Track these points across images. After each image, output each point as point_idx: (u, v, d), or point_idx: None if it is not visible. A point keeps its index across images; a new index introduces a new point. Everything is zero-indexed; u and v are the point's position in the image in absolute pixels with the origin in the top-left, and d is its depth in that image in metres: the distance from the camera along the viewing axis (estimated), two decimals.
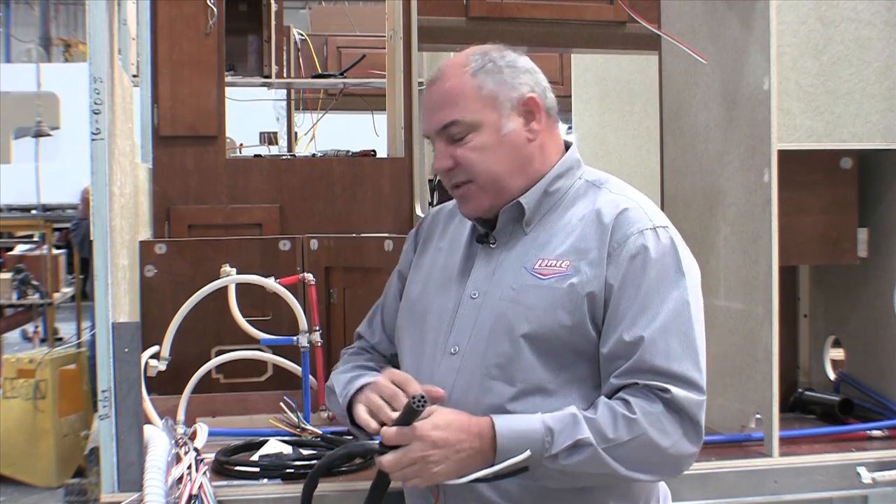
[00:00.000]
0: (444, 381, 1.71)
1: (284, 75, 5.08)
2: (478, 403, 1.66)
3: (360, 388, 1.77)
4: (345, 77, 4.98)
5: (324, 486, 2.06)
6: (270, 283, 2.48)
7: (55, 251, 8.22)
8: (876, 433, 2.45)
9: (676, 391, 1.58)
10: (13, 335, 8.87)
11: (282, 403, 2.38)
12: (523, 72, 1.75)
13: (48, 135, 8.32)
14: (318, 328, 2.50)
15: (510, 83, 1.73)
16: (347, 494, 2.02)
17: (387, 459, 1.56)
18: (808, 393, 2.72)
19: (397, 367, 1.87)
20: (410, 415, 1.54)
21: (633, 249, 1.64)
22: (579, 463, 1.56)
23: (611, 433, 1.56)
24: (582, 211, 1.72)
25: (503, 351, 1.66)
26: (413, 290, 1.87)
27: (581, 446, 1.55)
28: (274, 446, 2.24)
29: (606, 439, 1.56)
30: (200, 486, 1.81)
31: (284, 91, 5.79)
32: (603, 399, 1.61)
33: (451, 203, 1.95)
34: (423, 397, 1.53)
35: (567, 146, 1.83)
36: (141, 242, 2.77)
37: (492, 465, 1.56)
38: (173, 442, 1.97)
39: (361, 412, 1.70)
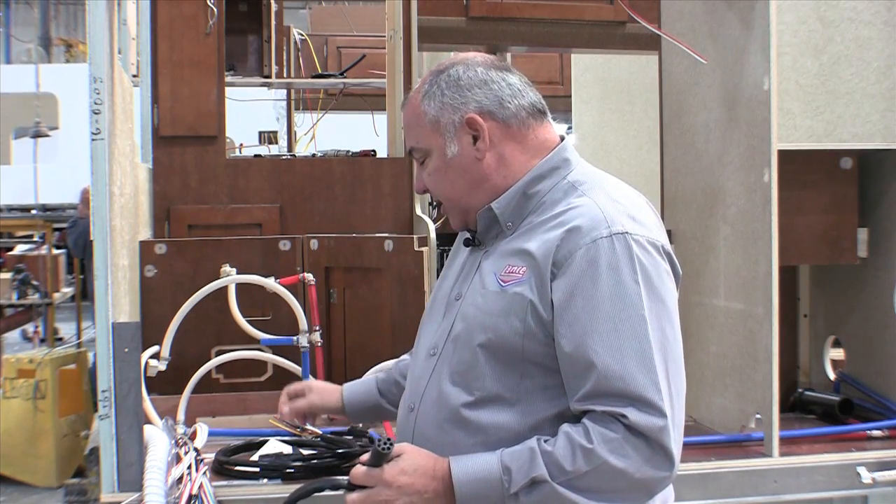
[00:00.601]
0: (419, 382, 1.73)
1: (284, 75, 5.07)
2: (440, 408, 1.66)
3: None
4: (345, 77, 4.98)
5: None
6: (270, 283, 2.48)
7: (55, 251, 8.22)
8: (876, 433, 2.45)
9: (634, 416, 1.51)
10: (13, 335, 8.87)
11: None
12: (469, 88, 1.69)
13: (47, 135, 8.32)
14: (318, 328, 2.50)
15: (451, 105, 1.69)
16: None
17: (352, 499, 1.57)
18: (808, 393, 2.72)
19: None
20: (378, 457, 1.55)
21: (583, 261, 1.56)
22: (540, 500, 1.53)
23: (569, 466, 1.51)
24: (551, 215, 1.66)
25: (464, 358, 1.65)
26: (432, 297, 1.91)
27: (538, 483, 1.52)
28: (274, 446, 2.24)
29: (565, 472, 1.51)
30: (200, 486, 1.81)
31: (284, 91, 5.78)
32: (564, 428, 1.55)
33: None
34: (389, 440, 1.53)
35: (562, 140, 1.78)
36: (141, 242, 2.77)
37: None
38: (173, 442, 1.97)
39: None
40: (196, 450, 1.94)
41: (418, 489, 1.55)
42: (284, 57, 5.14)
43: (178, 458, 1.88)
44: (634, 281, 1.55)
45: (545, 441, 1.55)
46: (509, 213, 1.70)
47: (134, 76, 3.52)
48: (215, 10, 3.13)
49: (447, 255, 1.94)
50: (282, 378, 2.62)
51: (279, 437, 2.29)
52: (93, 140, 1.94)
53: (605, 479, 1.52)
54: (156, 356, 2.37)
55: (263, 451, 2.21)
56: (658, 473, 1.53)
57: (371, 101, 4.78)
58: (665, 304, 1.59)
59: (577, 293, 1.55)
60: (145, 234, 2.99)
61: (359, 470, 1.57)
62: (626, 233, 1.58)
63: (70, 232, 7.07)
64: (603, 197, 1.64)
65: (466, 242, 1.78)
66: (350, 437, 2.30)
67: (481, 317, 1.64)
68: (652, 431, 1.51)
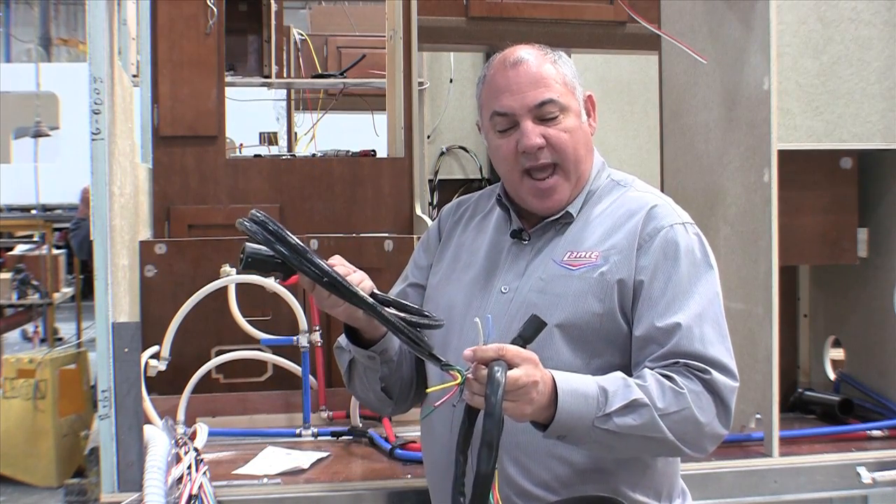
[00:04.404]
0: None
1: (284, 75, 5.07)
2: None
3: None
4: (345, 77, 4.97)
5: (332, 486, 2.07)
6: (270, 283, 2.48)
7: (55, 251, 8.21)
8: (876, 433, 2.45)
9: (716, 374, 1.63)
10: (13, 335, 8.86)
11: None
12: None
13: (47, 135, 8.31)
14: (318, 328, 2.50)
15: (578, 79, 1.81)
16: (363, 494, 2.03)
17: (515, 375, 1.47)
18: (808, 393, 2.72)
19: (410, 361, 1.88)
20: (534, 330, 1.52)
21: (664, 241, 1.70)
22: (633, 425, 1.56)
23: (660, 402, 1.58)
24: (607, 207, 1.78)
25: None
26: (436, 283, 1.88)
27: (637, 406, 1.56)
28: (272, 453, 2.24)
29: (656, 407, 1.58)
30: (200, 486, 1.81)
31: (284, 91, 5.78)
32: (648, 371, 1.62)
33: (472, 197, 1.97)
34: (537, 315, 1.53)
35: None
36: (141, 242, 2.77)
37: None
38: (173, 442, 1.96)
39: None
40: (196, 450, 1.94)
41: (544, 381, 1.53)
42: (284, 57, 5.13)
43: (178, 458, 1.88)
44: (707, 263, 1.73)
45: (633, 377, 1.61)
46: (575, 215, 1.78)
47: (134, 76, 3.52)
48: (215, 10, 3.13)
49: None
50: (282, 378, 2.63)
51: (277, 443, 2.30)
52: (93, 140, 1.94)
53: (683, 424, 1.60)
54: (156, 356, 2.37)
55: (261, 458, 2.21)
56: (721, 430, 1.65)
57: (371, 101, 4.77)
58: (719, 286, 1.75)
59: (660, 269, 1.69)
60: (145, 234, 2.99)
61: (519, 349, 1.51)
62: (692, 223, 1.76)
63: (74, 234, 7.03)
64: (655, 193, 1.81)
65: (513, 234, 1.81)
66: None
67: (550, 299, 1.70)
68: (726, 392, 1.65)
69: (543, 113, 1.74)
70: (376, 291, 1.68)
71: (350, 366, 1.84)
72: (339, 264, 1.68)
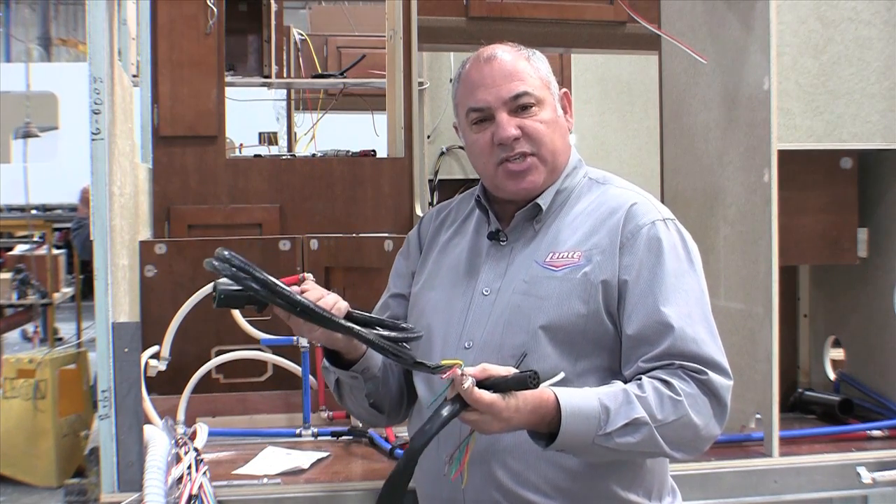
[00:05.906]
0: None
1: (284, 75, 5.07)
2: None
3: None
4: (345, 77, 4.97)
5: (332, 486, 2.07)
6: None
7: (55, 251, 8.21)
8: (876, 433, 2.45)
9: (712, 374, 1.62)
10: (13, 335, 8.86)
11: None
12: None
13: (36, 136, 8.31)
14: None
15: (552, 76, 1.82)
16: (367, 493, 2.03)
17: (470, 419, 1.51)
18: (808, 393, 2.72)
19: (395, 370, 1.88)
20: (518, 386, 1.51)
21: (647, 239, 1.68)
22: (633, 442, 1.57)
23: (659, 414, 1.58)
24: (587, 206, 1.76)
25: (520, 342, 1.68)
26: (418, 289, 1.88)
27: (638, 425, 1.57)
28: (272, 453, 2.24)
29: (655, 419, 1.58)
30: (200, 486, 1.81)
31: (284, 91, 5.78)
32: (646, 378, 1.61)
33: (452, 202, 1.96)
34: (536, 374, 1.50)
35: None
36: (141, 242, 2.77)
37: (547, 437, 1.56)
38: (173, 442, 1.96)
39: None
40: (196, 450, 1.94)
41: (522, 424, 1.55)
42: (284, 57, 5.13)
43: (178, 458, 1.88)
44: (690, 261, 1.72)
45: (633, 386, 1.60)
46: (546, 210, 1.77)
47: (134, 76, 3.52)
48: (215, 10, 3.13)
49: None
50: (282, 378, 2.63)
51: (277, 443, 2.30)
52: (93, 140, 1.94)
53: (680, 431, 1.60)
54: (156, 356, 2.37)
55: (261, 459, 2.21)
56: (717, 431, 1.65)
57: (371, 101, 4.77)
58: (704, 283, 1.75)
59: (644, 266, 1.67)
60: (145, 234, 2.99)
61: (484, 397, 1.50)
62: (674, 219, 1.75)
63: (77, 234, 7.02)
64: (634, 190, 1.79)
65: (490, 236, 1.80)
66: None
67: (535, 302, 1.69)
68: (722, 391, 1.63)
69: (518, 105, 1.75)
70: (352, 310, 1.67)
71: (337, 385, 1.85)
72: (311, 289, 1.67)
